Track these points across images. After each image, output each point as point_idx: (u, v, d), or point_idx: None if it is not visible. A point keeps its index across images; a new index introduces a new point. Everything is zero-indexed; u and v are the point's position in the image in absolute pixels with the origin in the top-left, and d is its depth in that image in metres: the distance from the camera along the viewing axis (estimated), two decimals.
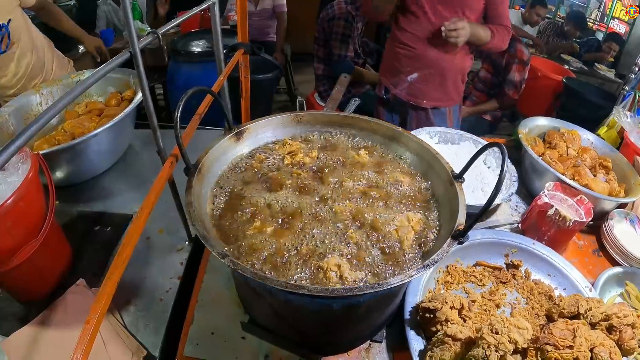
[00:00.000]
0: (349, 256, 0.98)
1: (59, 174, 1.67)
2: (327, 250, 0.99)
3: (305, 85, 6.29)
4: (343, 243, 1.01)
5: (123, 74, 2.09)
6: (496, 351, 0.95)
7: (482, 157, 1.85)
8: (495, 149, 0.94)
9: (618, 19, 7.75)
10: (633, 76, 2.77)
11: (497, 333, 0.98)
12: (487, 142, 0.96)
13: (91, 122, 1.87)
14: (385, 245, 1.02)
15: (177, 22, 1.27)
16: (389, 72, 2.61)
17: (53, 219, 1.24)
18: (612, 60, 6.02)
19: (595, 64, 5.80)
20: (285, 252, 0.97)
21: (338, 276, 0.90)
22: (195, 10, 1.41)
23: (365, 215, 1.09)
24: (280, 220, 1.07)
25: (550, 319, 1.27)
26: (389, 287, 0.76)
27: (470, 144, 1.99)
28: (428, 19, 2.28)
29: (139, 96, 1.82)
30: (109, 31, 4.30)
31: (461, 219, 0.94)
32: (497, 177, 0.83)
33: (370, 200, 1.15)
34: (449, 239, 0.89)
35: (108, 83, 2.12)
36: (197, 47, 3.64)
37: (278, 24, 5.12)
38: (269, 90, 4.21)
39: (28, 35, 2.44)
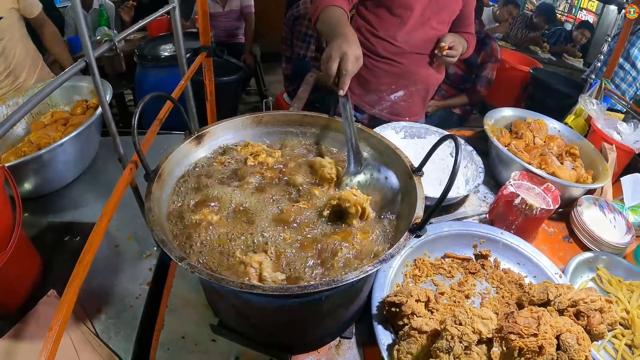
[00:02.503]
0: (278, 256, 0.99)
1: (26, 186, 1.65)
2: (258, 247, 1.00)
3: (277, 85, 6.31)
4: (277, 243, 1.01)
5: (89, 82, 2.06)
6: (460, 342, 0.96)
7: (448, 150, 1.87)
8: (460, 141, 0.95)
9: (586, 9, 7.95)
10: (599, 64, 2.85)
11: (460, 324, 0.98)
12: (443, 135, 0.97)
13: (57, 132, 1.84)
14: (319, 251, 1.01)
15: (137, 27, 1.27)
16: (361, 88, 2.24)
17: (21, 231, 1.22)
18: (585, 45, 6.16)
19: (564, 54, 5.93)
20: (225, 243, 1.00)
21: (257, 273, 0.91)
22: (156, 14, 1.41)
23: (311, 219, 1.09)
24: (230, 217, 1.08)
25: (520, 307, 1.29)
26: (343, 283, 0.77)
27: (436, 137, 1.99)
28: (416, 26, 2.02)
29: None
30: (77, 38, 4.20)
31: (419, 212, 0.95)
32: (455, 169, 0.82)
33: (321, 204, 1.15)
34: (406, 233, 0.90)
35: (74, 92, 2.08)
36: (164, 51, 3.64)
37: (246, 25, 5.13)
38: (234, 92, 4.21)
39: (16, 40, 2.58)
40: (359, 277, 0.78)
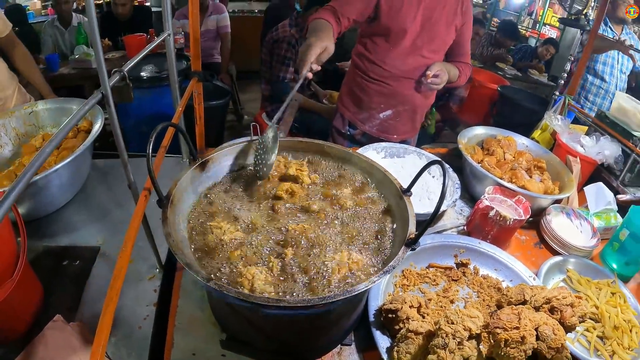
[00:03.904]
0: (273, 270, 1.07)
1: (20, 210, 1.62)
2: (259, 260, 1.09)
3: (251, 104, 6.33)
4: (275, 258, 1.10)
5: (77, 104, 2.06)
6: (454, 338, 1.08)
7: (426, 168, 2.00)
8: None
9: (549, 25, 8.27)
10: (562, 82, 3.03)
11: (452, 323, 1.10)
12: (430, 160, 1.09)
13: (50, 155, 1.85)
14: (312, 270, 1.08)
15: (140, 57, 1.32)
16: (355, 106, 2.45)
17: (25, 258, 1.21)
18: (549, 60, 6.44)
19: (529, 69, 6.20)
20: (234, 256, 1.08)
21: (250, 285, 0.98)
22: (153, 44, 1.43)
23: (311, 237, 1.18)
24: (241, 229, 1.18)
25: (500, 308, 1.37)
26: (356, 292, 0.87)
27: (414, 156, 2.12)
28: (406, 53, 2.20)
29: (95, 128, 1.83)
30: (55, 56, 4.18)
31: (412, 229, 1.06)
32: (443, 191, 0.95)
33: (325, 222, 1.25)
34: (402, 247, 1.00)
35: (62, 113, 2.08)
36: (145, 71, 3.62)
37: (222, 44, 5.16)
38: (221, 115, 4.28)
39: None
40: (367, 287, 0.88)
